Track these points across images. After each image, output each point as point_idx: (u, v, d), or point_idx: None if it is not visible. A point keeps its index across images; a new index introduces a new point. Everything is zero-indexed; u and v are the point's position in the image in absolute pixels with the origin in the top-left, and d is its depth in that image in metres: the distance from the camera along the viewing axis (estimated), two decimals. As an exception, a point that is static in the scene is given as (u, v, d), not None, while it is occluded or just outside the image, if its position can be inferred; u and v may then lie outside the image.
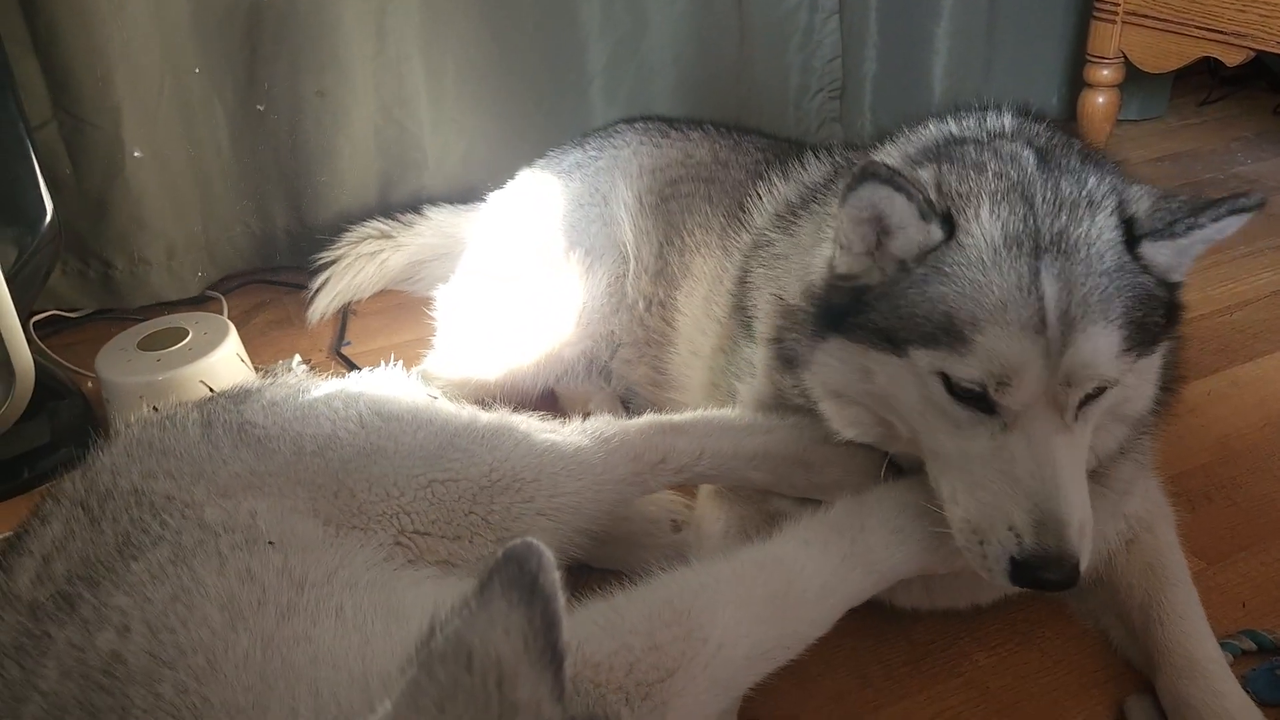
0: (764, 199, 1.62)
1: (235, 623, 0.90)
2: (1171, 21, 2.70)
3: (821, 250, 1.28)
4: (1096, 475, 1.21)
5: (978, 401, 1.10)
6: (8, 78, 1.82)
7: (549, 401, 1.92)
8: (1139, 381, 1.19)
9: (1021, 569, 1.09)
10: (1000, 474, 1.10)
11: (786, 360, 1.33)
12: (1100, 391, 1.12)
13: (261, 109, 2.30)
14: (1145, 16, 2.75)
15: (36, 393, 1.78)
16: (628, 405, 1.89)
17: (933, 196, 1.14)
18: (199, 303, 2.37)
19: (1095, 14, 2.86)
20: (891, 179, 1.11)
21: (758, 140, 1.93)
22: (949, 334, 1.10)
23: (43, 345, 2.09)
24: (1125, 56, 2.85)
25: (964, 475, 1.13)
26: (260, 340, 2.22)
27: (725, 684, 1.01)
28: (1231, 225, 1.15)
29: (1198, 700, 1.19)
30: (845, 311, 1.20)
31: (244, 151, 2.35)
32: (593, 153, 1.98)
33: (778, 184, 1.61)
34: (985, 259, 1.11)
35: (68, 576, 0.97)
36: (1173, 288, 1.19)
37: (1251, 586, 1.45)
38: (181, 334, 1.91)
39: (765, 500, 1.42)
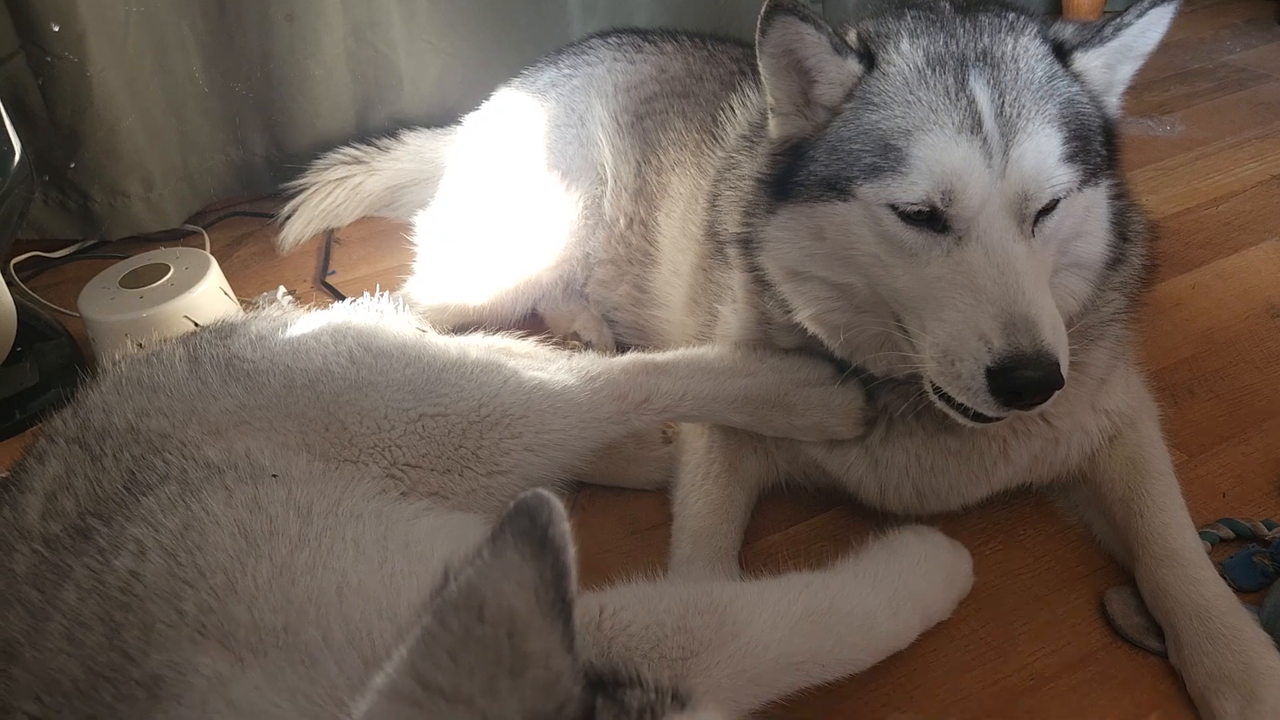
0: (736, 112, 1.60)
1: (250, 549, 0.92)
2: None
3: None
4: (1072, 363, 1.22)
5: (930, 222, 1.12)
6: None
7: (533, 322, 1.92)
8: (1089, 218, 1.22)
9: (999, 376, 1.08)
10: (963, 289, 1.10)
11: (759, 279, 1.34)
12: (1054, 205, 1.14)
13: (231, 36, 2.25)
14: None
15: (22, 335, 1.78)
16: (612, 324, 1.89)
17: (851, 41, 1.19)
18: (180, 237, 2.35)
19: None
20: (795, 8, 1.14)
21: (733, 50, 1.90)
22: (888, 157, 1.12)
23: (24, 287, 2.08)
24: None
25: (929, 304, 1.13)
26: (244, 273, 2.20)
27: (751, 681, 1.03)
28: (1159, 22, 1.19)
29: (1176, 588, 1.22)
30: (788, 174, 1.23)
31: (217, 79, 2.30)
32: (567, 71, 1.95)
33: (750, 95, 1.59)
34: (910, 79, 1.15)
35: (79, 512, 0.98)
36: (1110, 120, 1.23)
37: (1231, 477, 1.47)
38: (163, 270, 1.90)
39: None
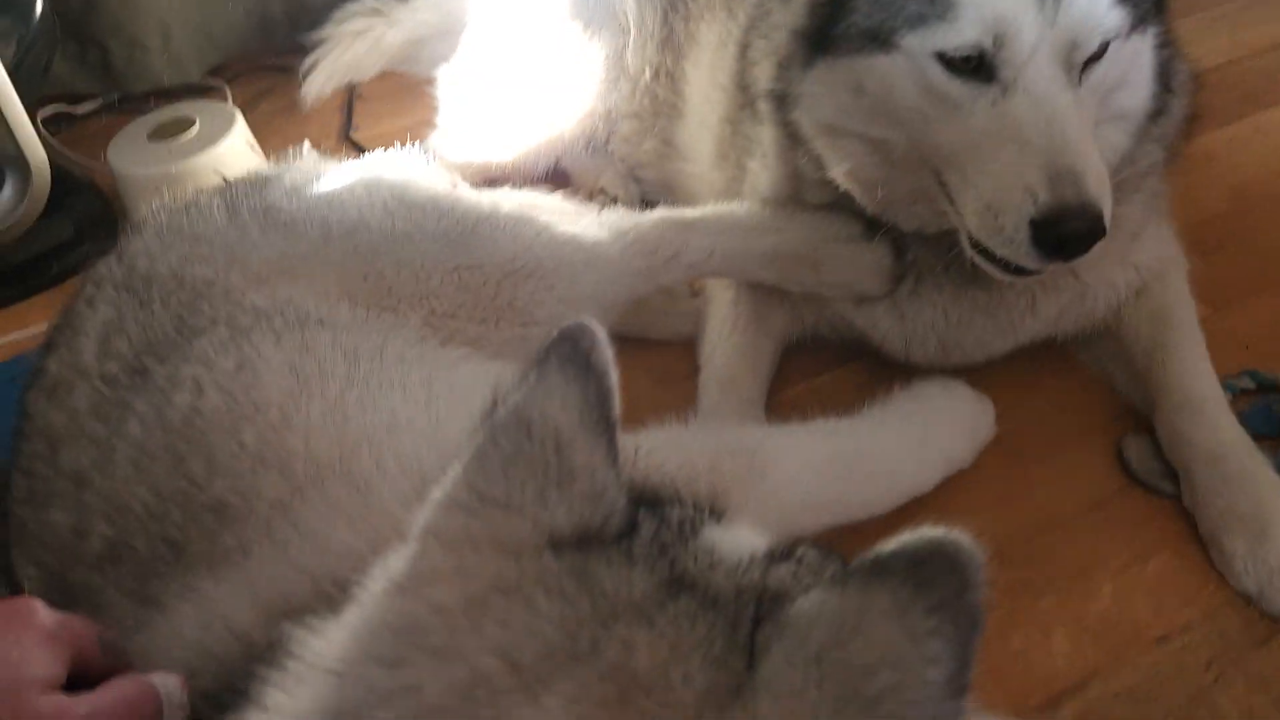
0: None
1: (303, 388, 0.96)
2: None
3: None
4: None
5: (976, 71, 1.10)
6: None
7: (558, 178, 1.91)
8: (1134, 67, 1.19)
9: (1043, 228, 1.07)
10: (1008, 141, 1.09)
11: (791, 134, 1.32)
12: (1102, 51, 1.11)
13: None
14: None
15: (54, 189, 1.79)
16: (637, 180, 1.88)
17: None
18: (202, 93, 2.32)
19: None
20: None
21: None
22: (935, 4, 1.09)
23: (54, 141, 2.08)
24: None
25: (972, 158, 1.12)
26: (267, 128, 2.19)
27: (777, 520, 1.05)
28: None
29: (1194, 433, 1.25)
30: (827, 26, 1.19)
31: (230, -76, 2.24)
32: None
33: None
34: None
35: (133, 353, 1.02)
36: None
37: (1256, 330, 1.48)
38: (189, 123, 1.89)
39: None
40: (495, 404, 0.64)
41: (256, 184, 1.29)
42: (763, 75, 1.39)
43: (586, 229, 1.34)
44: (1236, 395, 1.36)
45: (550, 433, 0.61)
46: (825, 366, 1.52)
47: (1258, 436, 1.28)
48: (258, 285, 1.09)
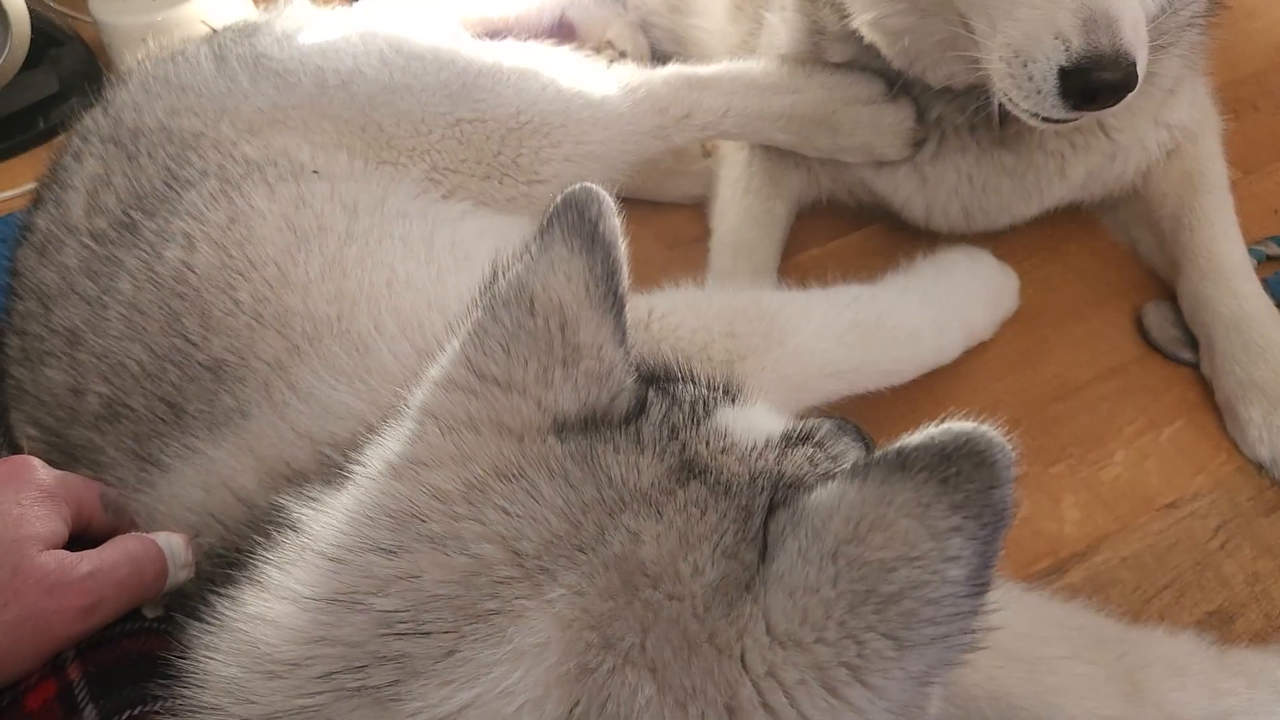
0: None
1: (299, 243, 0.93)
2: None
3: None
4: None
5: None
6: None
7: (563, 30, 1.82)
8: None
9: (1073, 76, 1.01)
10: None
11: None
12: None
13: None
14: None
15: (36, 41, 1.71)
16: (648, 30, 1.79)
17: None
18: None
19: None
20: None
21: None
22: None
23: (31, -11, 1.98)
24: None
25: (1001, 2, 1.05)
26: (255, -24, 2.08)
27: (795, 387, 1.04)
28: None
29: (1217, 300, 1.22)
30: None
31: None
32: None
33: None
34: None
35: (121, 208, 0.98)
36: None
37: (1287, 195, 1.43)
38: (173, -30, 1.80)
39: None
40: (496, 275, 0.60)
41: (245, 32, 1.23)
42: None
43: (595, 85, 1.28)
44: (1262, 262, 1.32)
45: (554, 308, 0.58)
46: (842, 230, 1.47)
47: (1280, 304, 1.25)
48: (249, 136, 1.05)
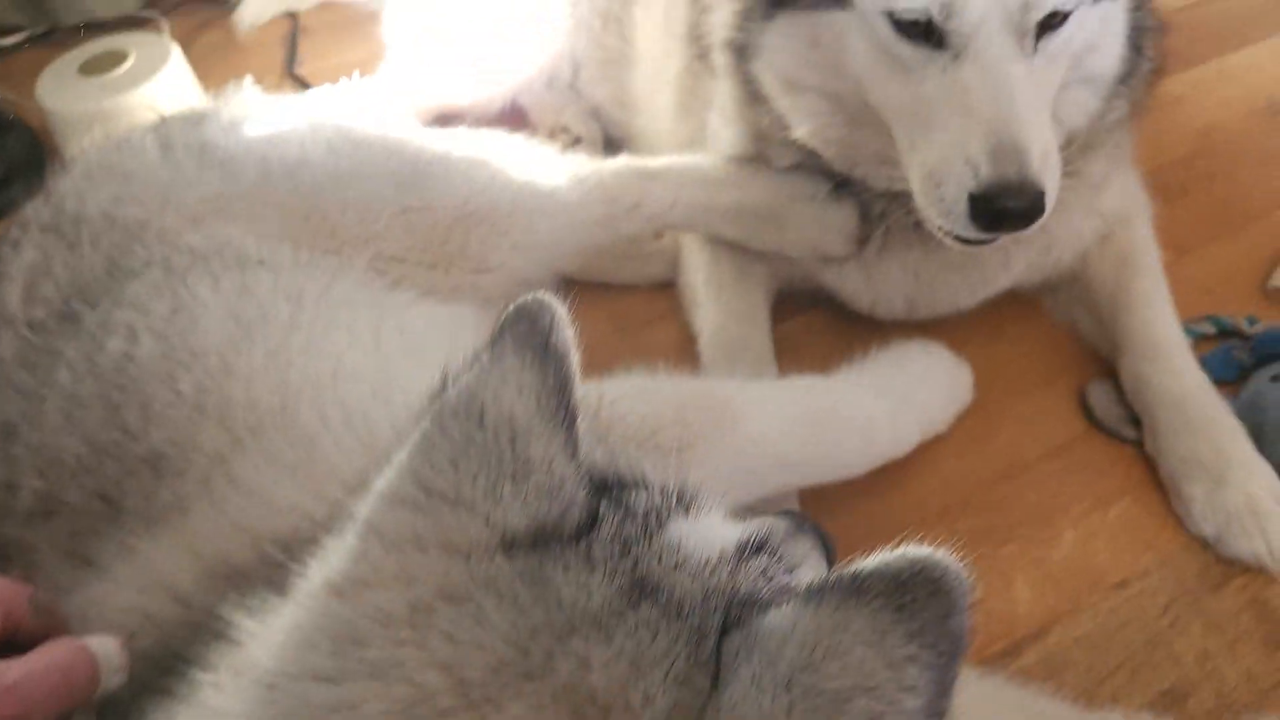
0: None
1: (243, 333, 0.91)
2: None
3: None
4: (1069, 171, 1.19)
5: (926, 36, 1.07)
6: None
7: (516, 115, 1.85)
8: (1104, 32, 1.16)
9: (981, 203, 1.05)
10: (955, 109, 1.06)
11: (751, 91, 1.28)
12: (1062, 20, 1.08)
13: None
14: None
15: (-20, 126, 1.70)
16: (602, 120, 1.82)
17: None
18: (137, 25, 2.21)
19: None
20: None
21: None
22: None
23: (-23, 75, 1.98)
24: None
25: (919, 124, 1.10)
26: (206, 63, 2.08)
27: (747, 475, 1.03)
28: None
29: (1157, 379, 1.24)
30: None
31: None
32: None
33: None
34: None
35: (61, 298, 0.96)
36: None
37: (1219, 275, 1.48)
38: (122, 57, 1.80)
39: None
40: (445, 383, 0.59)
41: (192, 120, 1.23)
42: (718, 24, 1.33)
43: (545, 174, 1.29)
44: (1198, 340, 1.36)
45: (505, 421, 0.56)
46: (793, 312, 1.49)
47: (1218, 382, 1.27)
48: (194, 225, 1.03)
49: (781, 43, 1.20)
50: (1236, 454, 1.17)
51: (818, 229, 1.33)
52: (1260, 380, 1.27)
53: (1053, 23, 1.08)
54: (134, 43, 1.87)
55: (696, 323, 1.43)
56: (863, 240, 1.33)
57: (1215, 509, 1.15)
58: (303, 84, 2.01)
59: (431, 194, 1.19)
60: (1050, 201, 1.07)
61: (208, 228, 1.04)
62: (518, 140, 1.45)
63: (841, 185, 1.31)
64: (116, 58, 1.80)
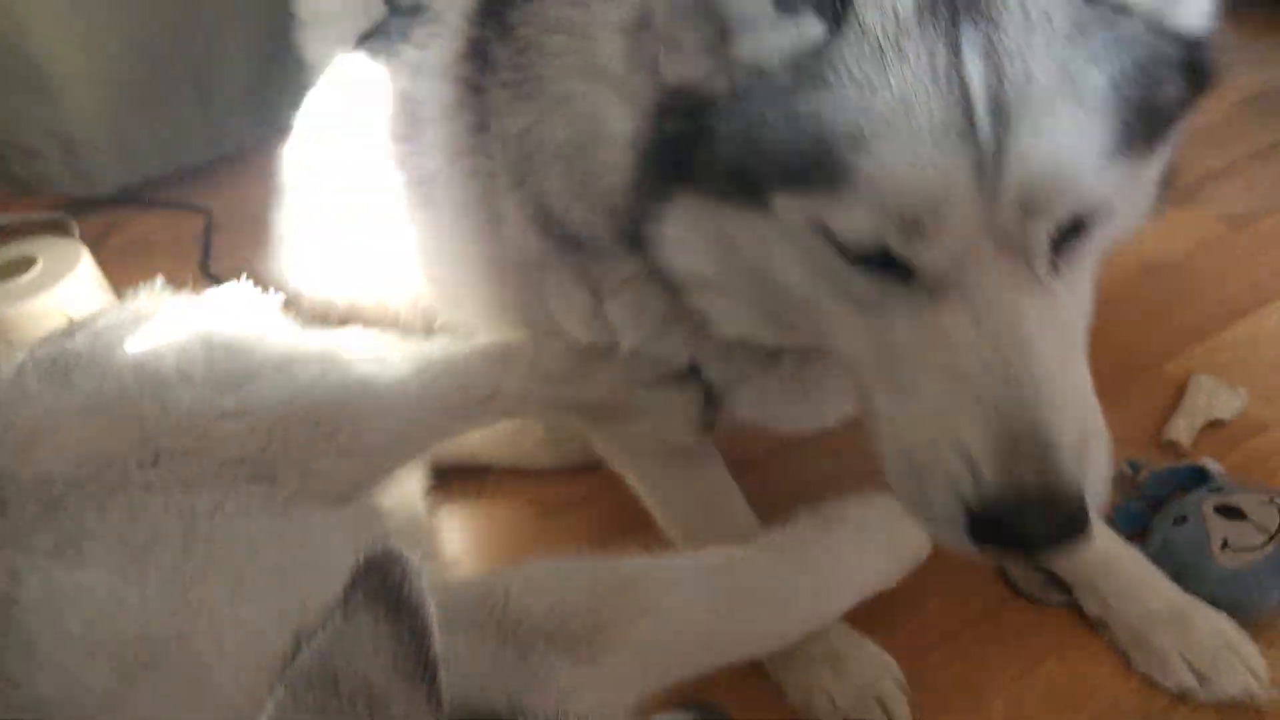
0: None
1: (133, 560, 0.87)
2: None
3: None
4: None
5: (886, 264, 0.75)
6: None
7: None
8: (1138, 196, 0.85)
9: (985, 523, 0.72)
10: (940, 371, 0.74)
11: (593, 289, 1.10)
12: (1084, 224, 0.75)
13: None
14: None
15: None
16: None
17: None
18: (46, 229, 2.20)
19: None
20: None
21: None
22: (820, 164, 0.72)
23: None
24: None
25: (890, 382, 0.78)
26: (118, 264, 2.08)
27: (662, 657, 1.00)
28: None
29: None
30: (688, 145, 0.79)
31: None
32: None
33: None
34: (886, 43, 0.71)
35: None
36: (1188, 39, 0.78)
37: (1113, 433, 1.47)
38: (30, 262, 1.80)
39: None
40: (298, 648, 0.57)
41: (69, 331, 1.19)
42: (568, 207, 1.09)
43: (389, 366, 1.22)
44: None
45: (360, 686, 0.55)
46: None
47: (1129, 536, 1.30)
48: (21, 453, 0.97)
49: (684, 233, 0.88)
50: (1181, 599, 1.18)
51: (662, 415, 1.27)
52: (1164, 527, 1.30)
53: (1078, 225, 0.76)
54: (42, 247, 1.87)
55: (655, 507, 1.30)
56: (707, 427, 1.24)
57: (1194, 654, 1.13)
58: (218, 282, 2.01)
59: (252, 397, 1.11)
60: (1098, 509, 0.74)
61: (32, 455, 0.97)
62: (386, 336, 1.39)
63: (691, 373, 1.20)
64: (24, 263, 1.80)
